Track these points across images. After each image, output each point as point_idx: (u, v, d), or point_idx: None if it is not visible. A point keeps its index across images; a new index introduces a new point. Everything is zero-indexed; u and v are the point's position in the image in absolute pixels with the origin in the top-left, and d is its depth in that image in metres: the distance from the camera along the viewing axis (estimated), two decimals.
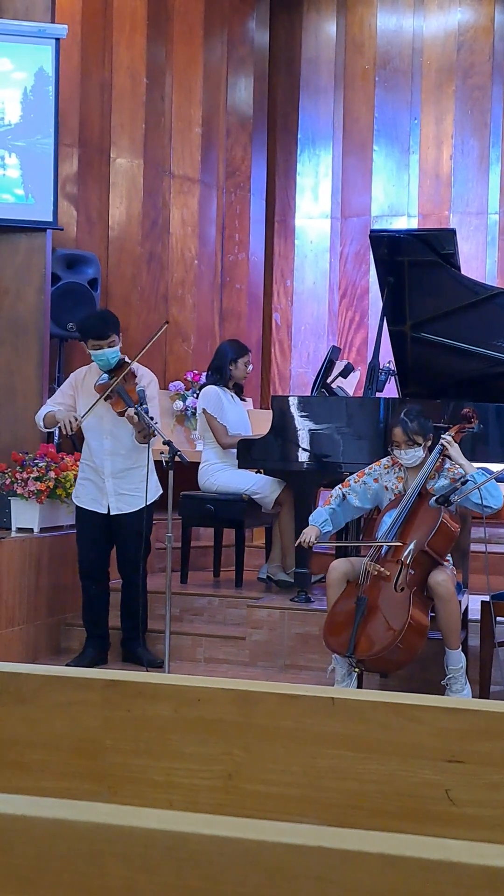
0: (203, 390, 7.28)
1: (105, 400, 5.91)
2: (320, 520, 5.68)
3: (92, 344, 6.00)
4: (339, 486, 5.76)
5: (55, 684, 2.47)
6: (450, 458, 5.48)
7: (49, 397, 6.56)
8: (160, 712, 2.41)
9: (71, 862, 1.58)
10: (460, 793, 2.25)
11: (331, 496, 5.77)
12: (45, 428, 6.23)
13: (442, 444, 5.46)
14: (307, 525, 5.81)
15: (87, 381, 6.18)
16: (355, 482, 5.71)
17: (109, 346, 6.00)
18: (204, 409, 7.06)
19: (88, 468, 6.19)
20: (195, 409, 8.52)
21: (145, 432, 5.81)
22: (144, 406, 5.76)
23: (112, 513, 6.14)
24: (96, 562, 6.25)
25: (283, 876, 1.50)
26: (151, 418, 5.73)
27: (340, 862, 1.47)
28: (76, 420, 5.92)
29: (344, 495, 5.70)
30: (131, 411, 5.77)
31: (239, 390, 7.35)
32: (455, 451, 5.46)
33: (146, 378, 6.17)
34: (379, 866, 1.45)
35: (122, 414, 5.86)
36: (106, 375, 6.03)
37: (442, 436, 5.50)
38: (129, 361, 6.05)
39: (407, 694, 2.41)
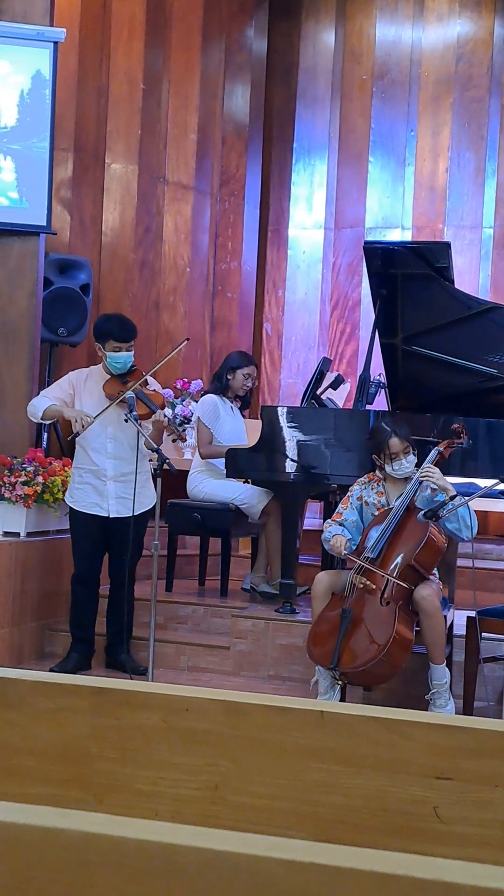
0: (202, 398, 7.26)
1: (118, 404, 5.90)
2: (338, 530, 5.52)
3: (113, 346, 6.01)
4: (329, 520, 5.65)
5: (43, 690, 2.46)
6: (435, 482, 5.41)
7: None
8: (148, 721, 2.40)
9: (59, 871, 1.57)
10: (448, 810, 2.24)
11: (326, 526, 5.66)
12: (43, 419, 6.15)
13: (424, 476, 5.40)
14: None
15: (89, 383, 6.16)
16: (344, 509, 5.63)
17: (129, 350, 6.03)
18: (198, 417, 7.04)
19: (87, 472, 6.14)
20: (185, 416, 8.50)
21: (174, 436, 5.83)
22: (134, 413, 5.78)
23: (112, 515, 6.12)
24: (91, 567, 6.23)
25: (272, 891, 1.49)
26: (181, 427, 5.72)
27: (332, 879, 1.46)
28: (91, 420, 5.86)
29: (340, 524, 5.58)
30: (160, 414, 5.83)
31: (245, 404, 7.30)
32: (438, 476, 5.40)
33: (153, 387, 6.20)
34: (371, 884, 1.44)
35: (145, 416, 5.85)
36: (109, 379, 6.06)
37: (421, 467, 5.44)
38: (141, 371, 6.09)
39: (396, 709, 2.40)
